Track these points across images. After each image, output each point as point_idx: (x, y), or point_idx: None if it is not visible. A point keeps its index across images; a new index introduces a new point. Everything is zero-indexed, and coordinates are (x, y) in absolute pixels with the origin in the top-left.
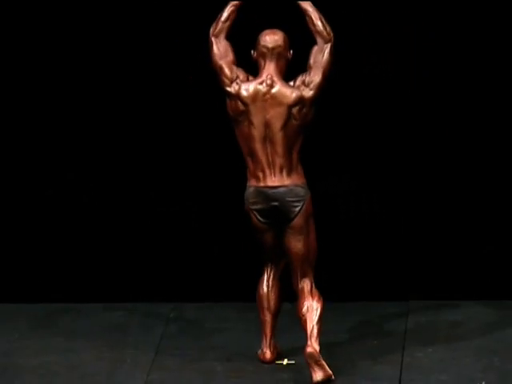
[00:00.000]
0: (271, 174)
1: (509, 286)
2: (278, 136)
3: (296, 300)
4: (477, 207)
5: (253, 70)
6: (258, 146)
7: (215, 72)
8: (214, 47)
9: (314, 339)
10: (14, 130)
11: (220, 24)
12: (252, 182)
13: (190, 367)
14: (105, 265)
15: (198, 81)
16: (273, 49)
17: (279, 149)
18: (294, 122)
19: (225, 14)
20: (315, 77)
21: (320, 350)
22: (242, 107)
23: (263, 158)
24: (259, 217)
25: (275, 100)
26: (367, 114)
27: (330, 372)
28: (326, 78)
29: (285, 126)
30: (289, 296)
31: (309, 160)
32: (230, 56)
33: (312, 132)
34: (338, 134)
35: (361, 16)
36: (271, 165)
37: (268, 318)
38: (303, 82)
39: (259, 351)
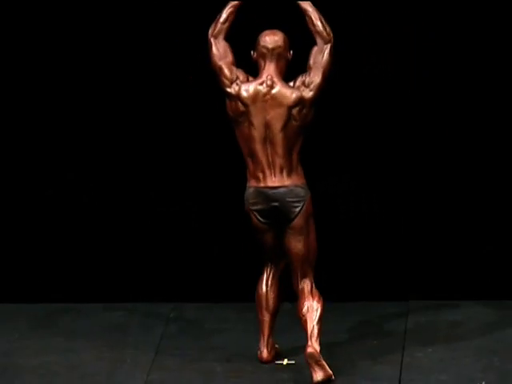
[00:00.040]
0: (271, 175)
1: (508, 285)
2: (278, 137)
3: (296, 300)
4: (477, 207)
5: (252, 71)
6: (258, 147)
7: (215, 73)
8: (213, 48)
9: (314, 339)
10: (13, 129)
11: (219, 25)
12: (252, 183)
13: (189, 367)
14: (105, 265)
15: (198, 81)
16: (273, 49)
17: (279, 149)
18: (294, 122)
19: (223, 15)
20: (315, 77)
21: (320, 350)
22: (242, 108)
23: (263, 159)
24: (259, 217)
25: (275, 101)
26: (367, 114)
27: (331, 372)
28: (326, 78)
29: (285, 126)
30: (289, 296)
31: (308, 160)
32: (230, 57)
33: (312, 132)
34: (337, 134)
35: (361, 16)
36: (271, 165)
37: (266, 317)
38: (303, 83)
39: (258, 351)
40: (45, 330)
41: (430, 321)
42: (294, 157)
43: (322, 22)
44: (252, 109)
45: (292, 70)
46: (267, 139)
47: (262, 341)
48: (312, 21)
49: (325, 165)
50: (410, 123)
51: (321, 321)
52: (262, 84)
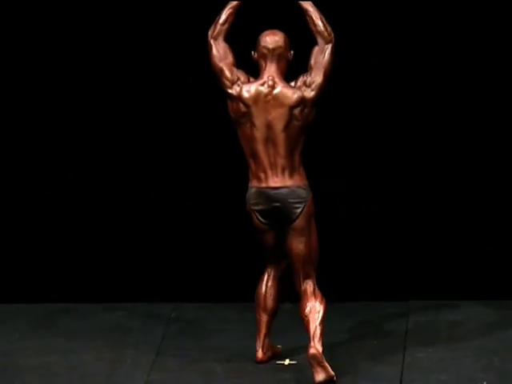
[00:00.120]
0: (273, 175)
1: (508, 285)
2: (280, 137)
3: (297, 300)
4: (476, 207)
5: (253, 72)
6: (261, 148)
7: (216, 74)
8: (214, 50)
9: (316, 340)
10: (14, 130)
11: (218, 26)
12: (254, 183)
13: (190, 368)
14: (105, 265)
15: (198, 81)
16: (273, 50)
17: (281, 150)
18: (295, 122)
19: (223, 17)
20: (316, 77)
21: (323, 351)
22: (243, 109)
23: (265, 159)
24: (260, 217)
25: (277, 101)
26: (367, 114)
27: (332, 373)
28: (327, 78)
29: (287, 126)
30: (290, 296)
31: (308, 160)
32: (230, 58)
33: (312, 132)
34: (337, 134)
35: (361, 16)
36: (273, 166)
37: (263, 318)
38: (304, 83)
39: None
40: (45, 330)
41: (431, 321)
42: (296, 158)
43: (322, 22)
44: (254, 109)
45: (293, 69)
46: (269, 139)
47: (258, 341)
48: (313, 21)
49: (325, 164)
50: (410, 123)
51: (323, 321)
52: (263, 84)
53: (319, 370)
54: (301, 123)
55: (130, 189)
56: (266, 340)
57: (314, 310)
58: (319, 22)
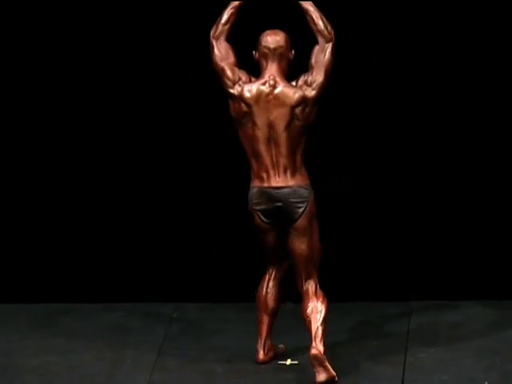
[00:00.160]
0: (275, 175)
1: (509, 286)
2: (282, 137)
3: (299, 300)
4: (476, 207)
5: (254, 72)
6: (262, 147)
7: (217, 74)
8: (215, 50)
9: (318, 340)
10: (14, 129)
11: (220, 26)
12: (256, 183)
13: (190, 368)
14: (105, 265)
15: (199, 81)
16: (274, 49)
17: (283, 149)
18: (297, 122)
19: (225, 17)
20: (317, 76)
21: (324, 351)
22: (245, 108)
23: (267, 159)
24: (263, 217)
25: (278, 100)
26: (367, 113)
27: (334, 373)
28: (328, 77)
29: (288, 126)
30: (292, 296)
31: (309, 160)
32: (231, 58)
33: (312, 132)
34: (337, 133)
35: (361, 16)
36: (275, 165)
37: (264, 319)
38: (305, 82)
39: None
40: (45, 330)
41: (431, 321)
42: (298, 157)
43: (323, 21)
44: (255, 109)
45: (294, 69)
46: (271, 139)
47: (259, 342)
48: (313, 20)
49: (325, 164)
50: (410, 123)
51: (325, 322)
52: (264, 84)
53: (321, 370)
54: (302, 123)
55: (130, 189)
56: (268, 341)
57: (316, 310)
58: (319, 22)
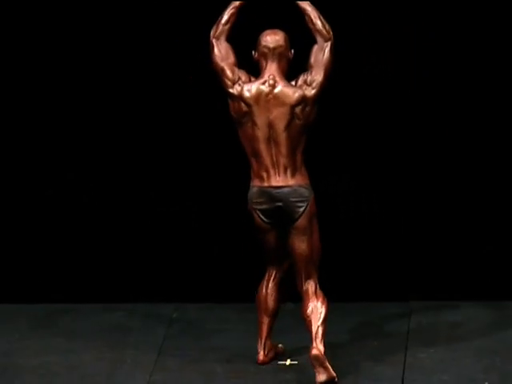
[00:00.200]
0: (275, 174)
1: (509, 286)
2: (282, 136)
3: (299, 300)
4: (477, 207)
5: (254, 72)
6: (263, 147)
7: (217, 74)
8: (215, 49)
9: (319, 340)
10: (14, 129)
11: (220, 26)
12: (256, 182)
13: (190, 368)
14: (105, 265)
15: (198, 81)
16: (274, 49)
17: (283, 149)
18: (297, 121)
19: (225, 17)
20: (317, 76)
21: (325, 352)
22: (245, 108)
23: (267, 159)
24: (263, 217)
25: (278, 100)
26: (367, 113)
27: (334, 374)
28: (328, 76)
29: (288, 125)
30: (292, 296)
31: (309, 160)
32: (231, 58)
33: (312, 132)
34: (337, 133)
35: (361, 16)
36: (275, 165)
37: (264, 319)
38: (305, 82)
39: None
40: (45, 330)
41: (431, 321)
42: (298, 157)
43: (321, 21)
44: (255, 109)
45: (294, 68)
46: (271, 139)
47: (259, 342)
48: (311, 19)
49: (325, 164)
50: (410, 123)
51: (325, 322)
52: (264, 84)
53: (321, 370)
54: (302, 122)
55: (130, 189)
56: (268, 342)
57: (316, 310)
58: (317, 21)
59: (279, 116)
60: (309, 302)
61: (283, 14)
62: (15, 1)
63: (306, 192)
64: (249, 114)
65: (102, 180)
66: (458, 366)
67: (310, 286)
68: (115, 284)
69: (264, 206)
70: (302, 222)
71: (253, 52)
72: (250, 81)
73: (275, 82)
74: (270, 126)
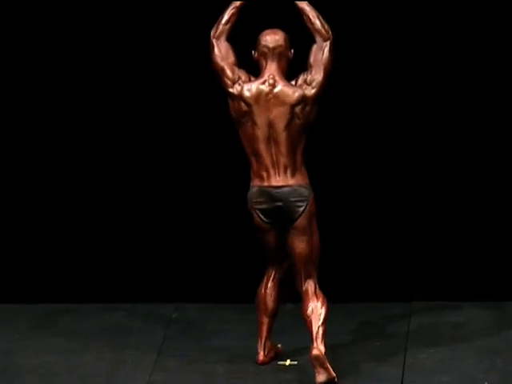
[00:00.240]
0: (275, 174)
1: (510, 287)
2: (282, 136)
3: (299, 301)
4: (479, 208)
5: (254, 72)
6: (262, 147)
7: (217, 74)
8: (215, 49)
9: (319, 341)
10: (14, 129)
11: (221, 26)
12: (256, 182)
13: (190, 368)
14: (105, 265)
15: (198, 81)
16: (274, 48)
17: (283, 149)
18: (297, 121)
19: (225, 17)
20: (317, 75)
21: (325, 352)
22: (245, 108)
23: (267, 158)
24: (262, 217)
25: (278, 99)
26: (369, 113)
27: (334, 375)
28: (328, 75)
29: (288, 125)
30: (291, 296)
31: (310, 159)
32: (232, 57)
33: (313, 131)
34: (339, 133)
35: (363, 16)
36: (275, 165)
37: (264, 319)
38: (305, 81)
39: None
40: (45, 330)
41: (433, 322)
42: (298, 157)
43: (319, 20)
44: (255, 108)
45: (293, 68)
46: (271, 138)
47: (259, 343)
48: (310, 19)
49: (326, 164)
50: (412, 123)
51: (325, 322)
52: (264, 83)
53: (321, 371)
54: (302, 121)
55: (130, 189)
56: (268, 342)
57: (316, 310)
58: (316, 21)
59: (279, 115)
60: (309, 302)
61: (283, 13)
62: (15, 1)
63: (305, 192)
64: (249, 113)
65: (101, 180)
66: (459, 367)
67: (310, 286)
68: (115, 284)
69: (264, 206)
70: (301, 221)
71: (253, 52)
72: (249, 80)
73: (275, 81)
74: (270, 125)
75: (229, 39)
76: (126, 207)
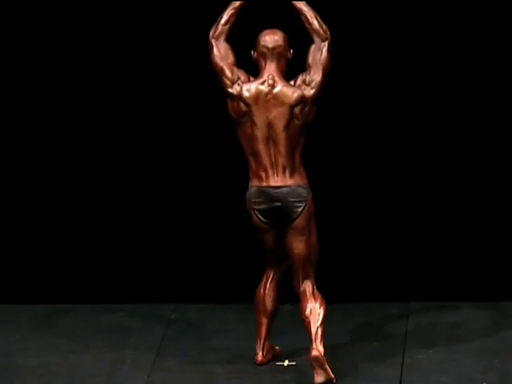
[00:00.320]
0: (274, 174)
1: (508, 287)
2: (281, 136)
3: (297, 301)
4: (477, 208)
5: (253, 72)
6: (261, 147)
7: (216, 74)
8: (215, 50)
9: (318, 342)
10: (14, 129)
11: (220, 27)
12: (254, 182)
13: (190, 368)
14: (105, 266)
15: (198, 81)
16: (273, 49)
17: (282, 149)
18: (296, 121)
19: (225, 17)
20: (315, 75)
21: (324, 353)
22: (244, 108)
23: (266, 158)
24: (261, 217)
25: (277, 100)
26: (367, 113)
27: (332, 376)
28: (326, 75)
29: (287, 125)
30: (290, 297)
31: (309, 160)
32: (231, 58)
33: (312, 132)
34: (337, 133)
35: (361, 16)
36: (274, 165)
37: (263, 320)
38: (304, 81)
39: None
40: (45, 330)
41: (431, 322)
42: (297, 157)
43: (317, 20)
44: (254, 109)
45: (293, 68)
46: (270, 139)
47: (258, 343)
48: (308, 19)
49: (325, 164)
50: (410, 123)
51: (324, 323)
52: (263, 83)
53: (320, 372)
54: (301, 122)
55: (130, 189)
56: (266, 343)
57: (315, 311)
58: (314, 21)
59: (278, 116)
60: (307, 303)
61: (282, 14)
62: (15, 1)
63: (304, 192)
64: (248, 113)
65: (101, 180)
66: (458, 367)
67: (308, 286)
68: (115, 284)
69: (262, 206)
70: (300, 222)
71: (252, 52)
72: (249, 81)
73: (274, 81)
74: (269, 125)
75: (228, 39)
76: (125, 207)
